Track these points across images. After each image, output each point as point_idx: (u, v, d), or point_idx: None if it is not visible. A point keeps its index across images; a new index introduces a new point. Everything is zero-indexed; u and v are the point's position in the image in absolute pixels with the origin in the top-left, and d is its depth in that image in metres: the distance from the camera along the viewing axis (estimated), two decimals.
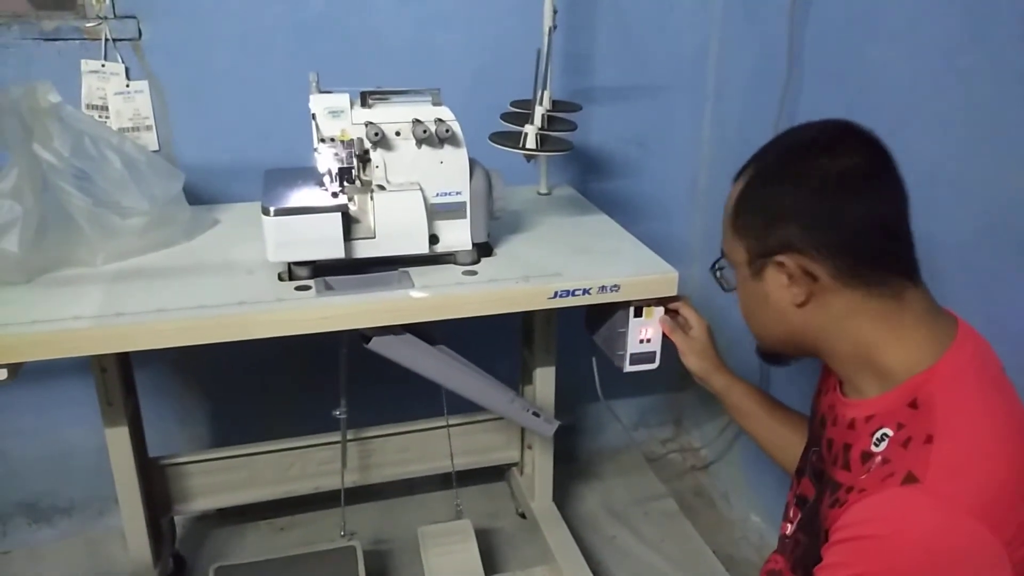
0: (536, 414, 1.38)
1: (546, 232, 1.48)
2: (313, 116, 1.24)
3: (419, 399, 1.58)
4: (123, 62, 1.59)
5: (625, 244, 1.43)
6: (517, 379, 1.78)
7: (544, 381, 1.65)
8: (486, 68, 1.76)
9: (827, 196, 0.86)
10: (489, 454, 1.80)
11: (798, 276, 0.88)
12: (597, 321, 1.41)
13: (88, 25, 1.55)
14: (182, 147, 1.68)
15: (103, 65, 1.58)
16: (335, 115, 1.24)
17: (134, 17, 1.57)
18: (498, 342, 1.64)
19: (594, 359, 1.44)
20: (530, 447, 1.79)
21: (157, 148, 1.66)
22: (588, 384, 1.39)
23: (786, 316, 0.92)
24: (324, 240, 1.21)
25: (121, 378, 1.45)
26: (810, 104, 1.57)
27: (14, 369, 1.09)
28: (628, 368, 1.36)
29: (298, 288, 1.22)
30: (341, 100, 1.24)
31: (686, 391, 2.19)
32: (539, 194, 1.71)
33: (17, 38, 1.53)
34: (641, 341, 1.33)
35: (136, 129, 1.64)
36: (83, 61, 1.57)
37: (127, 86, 1.61)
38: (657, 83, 1.90)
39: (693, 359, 1.26)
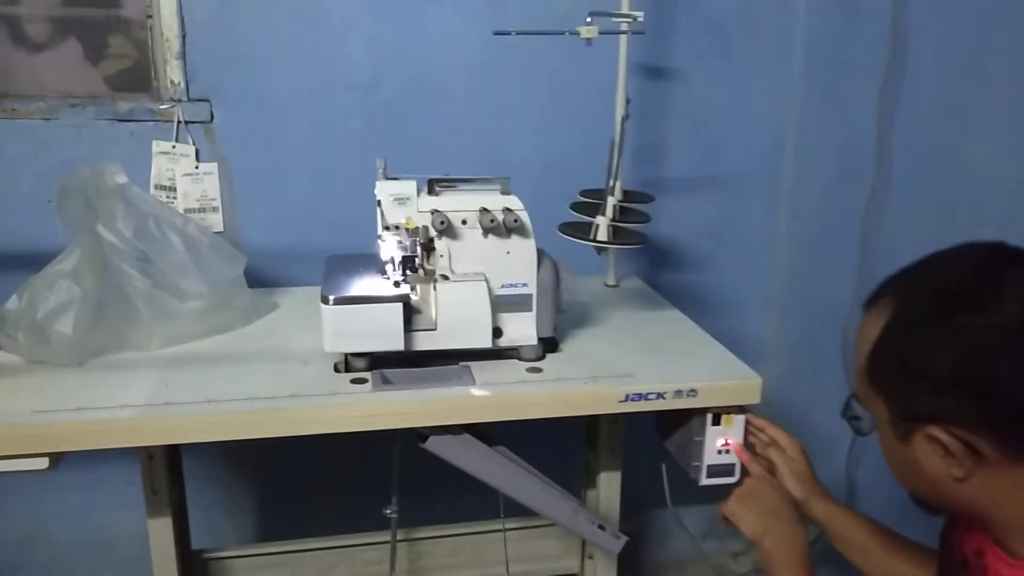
0: (602, 527, 1.27)
1: (615, 327, 1.39)
2: (378, 203, 1.20)
3: (474, 498, 1.48)
4: (194, 144, 1.60)
5: (701, 344, 1.33)
6: (579, 483, 1.67)
7: (609, 487, 1.54)
8: (556, 157, 1.72)
9: (991, 362, 0.74)
10: (547, 563, 1.68)
11: (958, 451, 0.77)
12: (670, 426, 1.31)
13: (162, 107, 1.57)
14: (247, 229, 1.67)
15: (174, 147, 1.59)
16: (401, 202, 1.19)
17: (207, 100, 1.58)
18: (558, 440, 1.55)
19: (663, 465, 1.34)
20: (591, 557, 1.67)
21: (222, 229, 1.65)
22: (654, 487, 1.28)
23: (942, 487, 0.81)
24: (384, 331, 1.15)
25: (168, 466, 1.39)
26: (899, 202, 1.48)
27: (56, 458, 1.04)
28: (704, 481, 1.25)
29: (354, 381, 1.16)
30: (408, 187, 1.20)
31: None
32: (606, 286, 1.63)
33: (92, 119, 1.55)
34: (719, 452, 1.23)
35: (203, 210, 1.63)
36: (155, 142, 1.58)
37: (196, 168, 1.61)
38: (731, 174, 1.83)
39: (794, 482, 1.15)
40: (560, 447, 1.77)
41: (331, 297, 1.14)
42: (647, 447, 1.36)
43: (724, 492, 1.41)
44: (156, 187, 1.60)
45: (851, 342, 0.91)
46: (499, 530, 1.57)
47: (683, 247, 1.86)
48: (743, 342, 1.89)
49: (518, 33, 1.26)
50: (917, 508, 0.93)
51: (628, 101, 1.50)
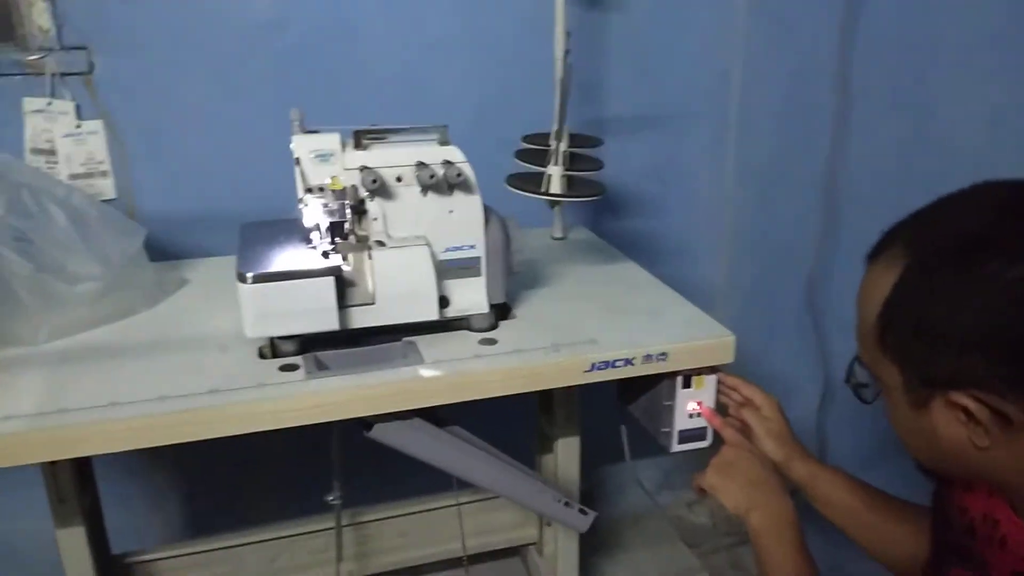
0: (568, 504, 1.17)
1: (570, 286, 1.28)
2: (297, 161, 1.03)
3: (426, 474, 1.36)
4: (73, 99, 1.38)
5: (666, 300, 1.23)
6: (532, 448, 1.57)
7: (567, 454, 1.44)
8: (490, 100, 1.57)
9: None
10: (504, 533, 1.58)
11: (984, 418, 0.68)
12: (634, 390, 1.21)
13: (31, 58, 1.34)
14: (143, 195, 1.47)
15: (49, 103, 1.37)
16: (323, 159, 1.03)
17: (84, 48, 1.37)
18: (507, 404, 1.43)
19: (623, 427, 1.25)
20: (548, 524, 1.57)
21: (114, 196, 1.45)
22: (606, 443, 1.19)
23: (962, 456, 0.73)
24: (315, 310, 1.00)
25: (75, 470, 1.22)
26: (861, 136, 1.39)
27: None
28: (676, 448, 1.16)
29: (283, 368, 1.01)
30: (331, 141, 1.04)
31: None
32: (553, 239, 1.51)
33: None
34: (691, 415, 1.14)
35: (90, 175, 1.42)
36: (25, 99, 1.36)
37: (78, 127, 1.40)
38: (676, 111, 1.71)
39: (772, 444, 1.07)
40: (510, 412, 1.67)
41: (249, 275, 0.98)
42: (599, 404, 1.26)
43: (695, 456, 1.35)
44: (32, 151, 1.38)
45: (816, 288, 0.82)
46: (452, 505, 1.46)
47: (628, 191, 1.74)
48: (694, 286, 1.79)
49: None
50: (916, 471, 0.86)
51: (569, 34, 1.36)
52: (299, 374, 1.00)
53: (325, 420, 0.97)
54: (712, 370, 1.12)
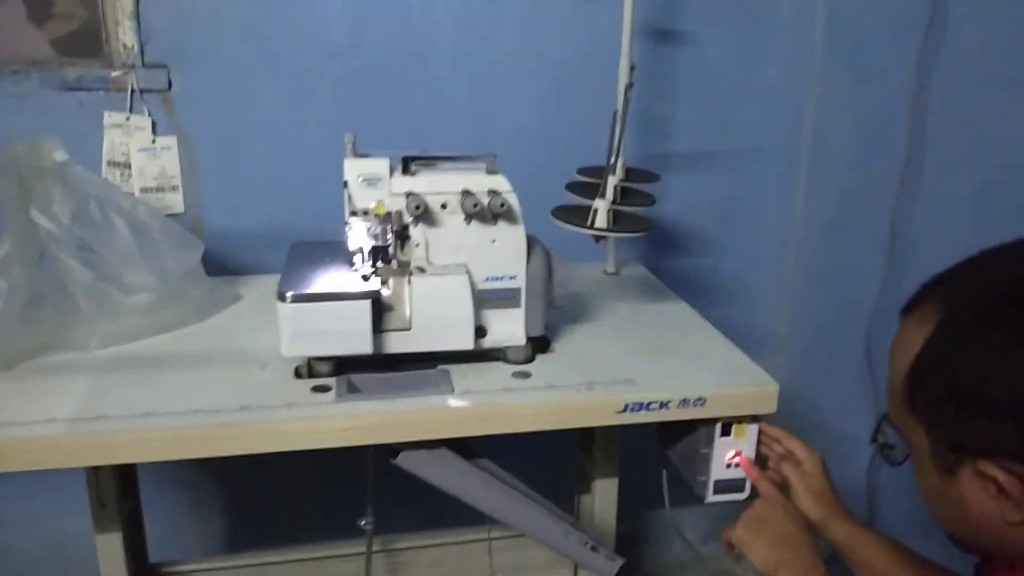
0: (595, 548, 1.13)
1: (615, 323, 1.25)
2: (345, 184, 1.05)
3: (459, 503, 1.35)
4: (150, 115, 1.45)
5: (710, 343, 1.19)
6: (572, 487, 1.54)
7: (605, 495, 1.41)
8: (553, 131, 1.56)
9: None
10: (536, 573, 1.55)
11: (1015, 491, 0.64)
12: (673, 433, 1.17)
13: (114, 74, 1.41)
14: (210, 210, 1.52)
15: (128, 118, 1.43)
16: (371, 183, 1.05)
17: (164, 66, 1.43)
18: (552, 440, 1.41)
19: (664, 471, 1.21)
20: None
21: (182, 211, 1.50)
22: (652, 487, 1.16)
23: (993, 529, 0.68)
24: (349, 333, 1.01)
25: (118, 476, 1.26)
26: (936, 181, 1.32)
27: None
28: (711, 499, 1.12)
29: (315, 389, 1.02)
30: (379, 166, 1.05)
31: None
32: (606, 274, 1.49)
33: (36, 87, 1.39)
34: (728, 465, 1.09)
35: (161, 189, 1.48)
36: (107, 113, 1.43)
37: (153, 142, 1.46)
38: (744, 150, 1.68)
39: (811, 502, 1.02)
40: (553, 448, 1.64)
41: (288, 294, 0.99)
42: (646, 446, 1.23)
43: (732, 504, 1.29)
44: (109, 164, 1.45)
45: (875, 340, 0.79)
46: (484, 539, 1.44)
47: (690, 230, 1.71)
48: (753, 334, 1.76)
49: None
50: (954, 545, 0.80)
51: (633, 68, 1.34)
52: (330, 396, 1.00)
53: (350, 444, 0.97)
54: (754, 419, 1.08)
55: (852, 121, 1.55)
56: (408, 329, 1.05)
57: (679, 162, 1.65)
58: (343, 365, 1.06)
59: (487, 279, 1.08)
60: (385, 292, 1.05)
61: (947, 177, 1.31)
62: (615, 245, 1.47)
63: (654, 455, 1.22)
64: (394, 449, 1.02)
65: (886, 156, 1.40)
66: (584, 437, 1.45)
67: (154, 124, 1.45)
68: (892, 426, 0.76)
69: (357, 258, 1.05)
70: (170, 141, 1.46)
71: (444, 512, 1.47)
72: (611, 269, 1.48)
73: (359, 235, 1.04)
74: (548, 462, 1.66)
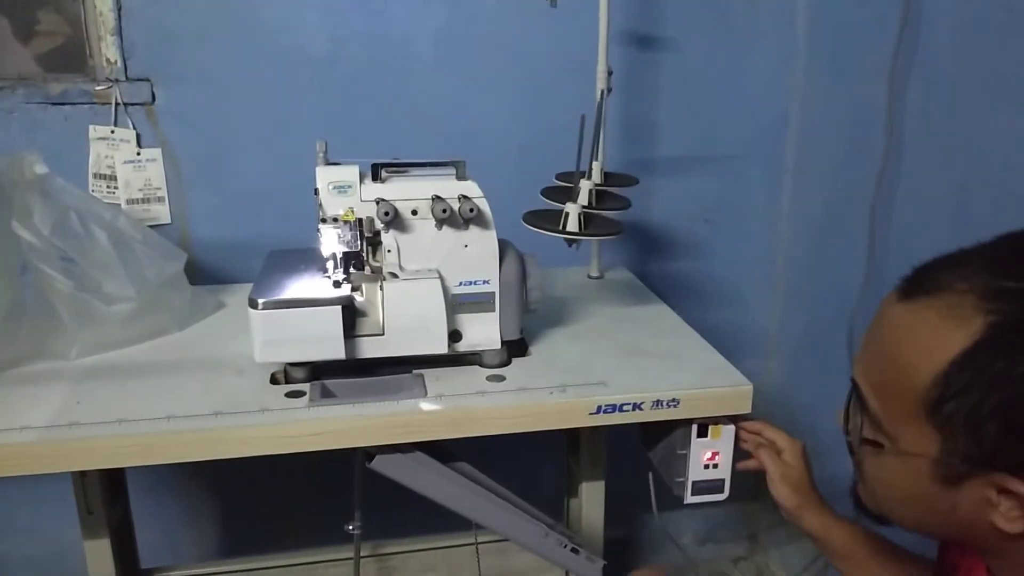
0: (576, 550, 1.13)
1: (593, 326, 1.25)
2: (316, 191, 1.06)
3: (446, 509, 1.35)
4: (135, 128, 1.46)
5: (686, 344, 1.19)
6: (563, 489, 1.54)
7: (592, 498, 1.41)
8: (535, 138, 1.57)
9: None
10: None
11: None
12: (653, 435, 1.17)
13: (98, 88, 1.43)
14: (196, 221, 1.53)
15: (113, 131, 1.45)
16: (341, 191, 1.05)
17: (148, 80, 1.44)
18: (542, 442, 1.41)
19: (650, 474, 1.21)
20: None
21: (169, 221, 1.52)
22: (643, 490, 1.15)
23: (973, 531, 0.64)
24: (322, 338, 1.02)
25: (105, 482, 1.27)
26: (912, 181, 1.32)
27: None
28: (689, 499, 1.11)
29: (289, 395, 1.02)
30: (349, 173, 1.06)
31: (762, 500, 1.90)
32: (589, 278, 1.49)
33: (22, 102, 1.41)
34: (706, 466, 1.09)
35: (147, 201, 1.50)
36: (92, 127, 1.44)
37: (138, 154, 1.47)
38: (728, 152, 1.68)
39: (786, 490, 1.01)
40: (544, 451, 1.65)
41: (260, 301, 1.00)
42: (635, 449, 1.23)
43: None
44: (95, 176, 1.46)
45: (856, 338, 0.75)
46: (472, 543, 1.44)
47: (676, 232, 1.71)
48: (743, 334, 1.76)
49: None
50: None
51: (610, 73, 1.35)
52: (303, 401, 1.01)
53: (323, 448, 0.97)
54: (731, 419, 1.08)
55: (834, 123, 1.55)
56: (382, 334, 1.05)
57: (665, 165, 1.66)
58: (319, 371, 1.07)
59: (460, 283, 1.08)
60: (359, 298, 1.06)
61: (925, 176, 1.30)
62: (598, 249, 1.47)
63: (644, 457, 1.22)
64: (369, 454, 1.03)
65: (866, 155, 1.40)
66: (570, 440, 1.45)
67: (139, 136, 1.47)
68: (878, 423, 0.68)
69: (330, 264, 1.06)
70: (155, 153, 1.48)
71: (433, 517, 1.47)
72: (594, 273, 1.48)
73: (331, 242, 1.05)
74: (538, 465, 1.66)
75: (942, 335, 0.61)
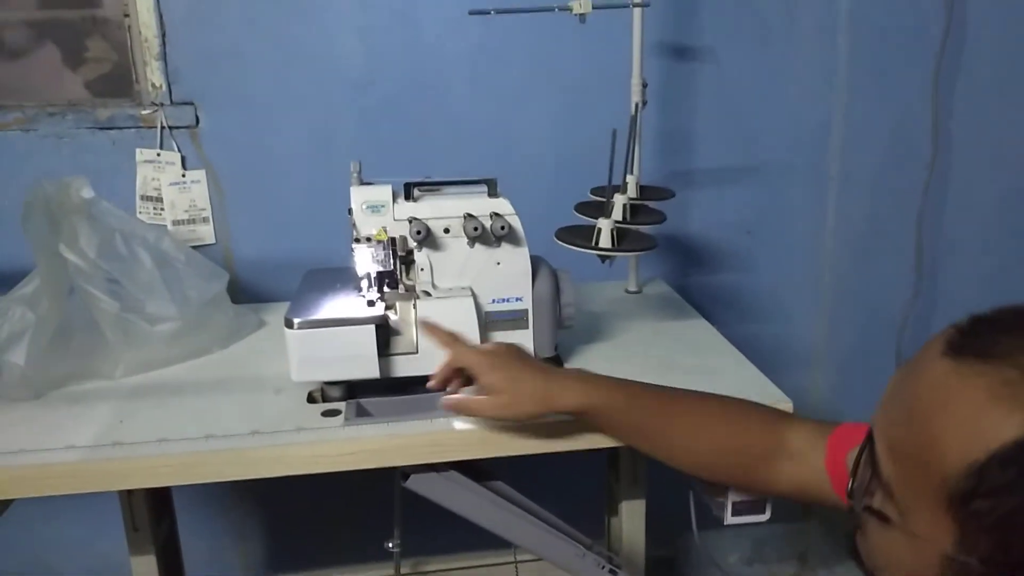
0: (614, 571, 1.12)
1: (630, 342, 1.24)
2: (349, 211, 1.07)
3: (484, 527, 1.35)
4: (179, 150, 1.50)
5: (725, 359, 1.17)
6: (602, 507, 1.52)
7: (632, 516, 1.39)
8: (571, 153, 1.57)
9: None
10: None
11: None
12: None
13: (144, 112, 1.47)
14: (239, 240, 1.56)
15: (158, 154, 1.49)
16: (375, 210, 1.06)
17: (192, 104, 1.48)
18: (583, 460, 1.40)
19: (691, 492, 1.18)
20: None
21: (214, 241, 1.55)
22: (687, 508, 1.14)
23: None
24: (356, 357, 1.02)
25: (151, 499, 1.30)
26: (960, 191, 1.28)
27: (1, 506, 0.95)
28: (729, 520, 1.08)
29: (325, 414, 1.03)
30: (382, 193, 1.06)
31: (811, 520, 1.86)
32: (627, 292, 1.48)
33: (71, 127, 1.46)
34: None
35: (192, 221, 1.53)
36: (138, 150, 1.48)
37: (183, 176, 1.51)
38: (769, 163, 1.65)
39: (515, 412, 0.93)
40: (584, 468, 1.63)
41: (296, 320, 1.01)
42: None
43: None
44: (142, 198, 1.50)
45: (905, 351, 0.68)
46: (511, 562, 1.43)
47: (717, 245, 1.68)
48: (788, 348, 1.72)
49: (497, 12, 1.12)
50: None
51: (645, 86, 1.34)
52: (338, 420, 1.01)
53: (358, 467, 0.98)
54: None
55: (879, 131, 1.51)
56: (415, 353, 1.06)
57: (704, 177, 1.64)
58: (354, 389, 1.08)
59: (493, 301, 1.08)
60: (393, 317, 1.06)
61: (973, 185, 1.26)
62: (635, 263, 1.46)
63: (685, 475, 1.20)
64: (405, 472, 1.03)
65: (912, 165, 1.37)
66: (610, 457, 1.44)
67: (183, 159, 1.50)
68: (876, 480, 0.59)
69: (364, 283, 1.07)
70: (199, 175, 1.51)
71: (473, 535, 1.47)
72: (632, 287, 1.47)
73: (364, 261, 1.06)
74: (578, 482, 1.64)
75: (988, 416, 0.51)
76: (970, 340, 0.55)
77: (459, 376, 0.99)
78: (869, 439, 0.62)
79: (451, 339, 1.00)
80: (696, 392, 0.97)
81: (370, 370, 1.03)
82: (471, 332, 1.05)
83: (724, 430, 0.92)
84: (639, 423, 0.93)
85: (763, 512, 1.09)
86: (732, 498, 1.07)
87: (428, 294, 1.06)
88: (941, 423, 0.54)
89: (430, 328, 1.01)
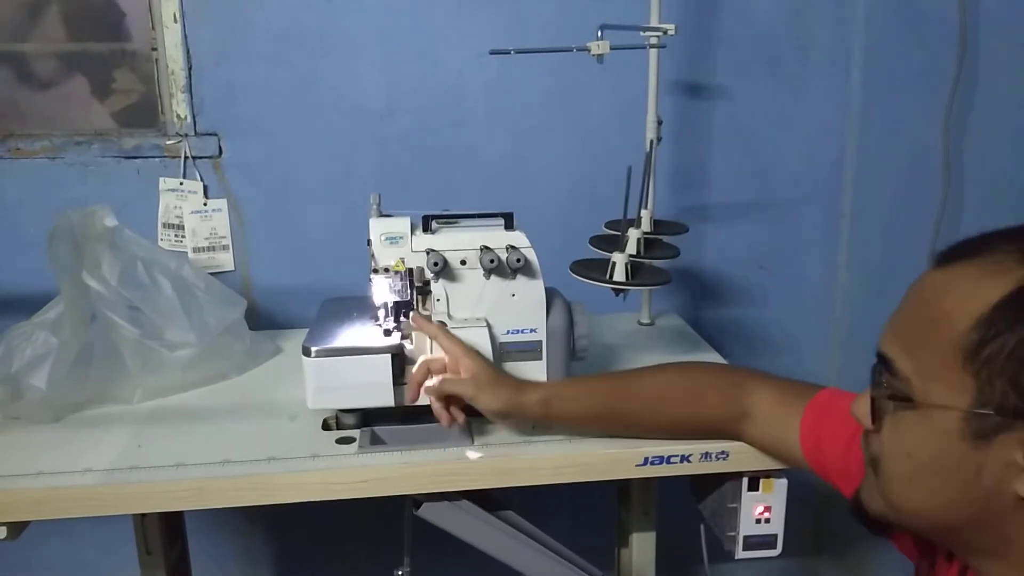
0: None
1: None
2: (368, 242, 1.09)
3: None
4: (202, 180, 1.53)
5: None
6: (613, 538, 1.52)
7: (643, 549, 1.38)
8: (586, 187, 1.59)
9: None
10: None
11: None
12: (704, 487, 1.16)
13: (169, 143, 1.50)
14: (258, 268, 1.59)
15: (181, 183, 1.52)
16: (393, 241, 1.08)
17: (215, 134, 1.51)
18: (593, 491, 1.40)
19: (702, 527, 1.19)
20: None
21: (233, 268, 1.57)
22: (698, 541, 1.14)
23: (989, 509, 0.62)
24: (371, 386, 1.04)
25: (164, 523, 1.31)
26: (973, 226, 1.28)
27: (16, 528, 0.96)
28: (741, 554, 1.09)
29: (339, 441, 1.05)
30: (400, 225, 1.08)
31: (822, 556, 1.84)
32: (640, 324, 1.49)
33: (97, 156, 1.49)
34: (758, 520, 1.07)
35: (212, 249, 1.56)
36: (162, 179, 1.52)
37: (204, 205, 1.54)
38: (783, 198, 1.66)
39: (488, 395, 0.98)
40: (595, 499, 1.63)
41: (313, 349, 1.03)
42: (688, 497, 1.21)
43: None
44: (164, 226, 1.53)
45: None
46: None
47: (730, 279, 1.69)
48: None
49: (516, 52, 1.14)
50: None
51: (660, 122, 1.37)
52: (352, 447, 1.03)
53: (370, 495, 0.99)
54: (783, 472, 1.05)
55: (892, 167, 1.53)
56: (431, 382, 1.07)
57: (718, 212, 1.65)
58: (369, 417, 1.09)
59: (508, 332, 1.09)
60: (408, 346, 1.08)
61: (986, 220, 1.27)
62: (649, 296, 1.47)
63: (697, 507, 1.20)
64: (417, 501, 1.04)
65: (925, 200, 1.38)
66: (621, 489, 1.43)
67: (205, 188, 1.53)
68: (901, 377, 0.65)
69: (381, 313, 1.09)
70: (220, 204, 1.54)
71: (482, 564, 1.47)
72: (645, 320, 1.48)
73: (382, 291, 1.08)
74: (589, 514, 1.64)
75: (984, 284, 0.60)
76: (956, 251, 0.64)
77: (442, 371, 1.02)
78: (879, 363, 0.69)
79: (440, 329, 1.03)
80: (656, 368, 1.05)
81: (385, 399, 1.04)
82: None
83: (682, 404, 1.00)
84: (599, 409, 1.01)
85: (774, 547, 1.10)
86: (743, 532, 1.08)
87: (444, 324, 1.08)
88: (945, 303, 0.62)
89: (421, 320, 1.04)
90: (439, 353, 1.02)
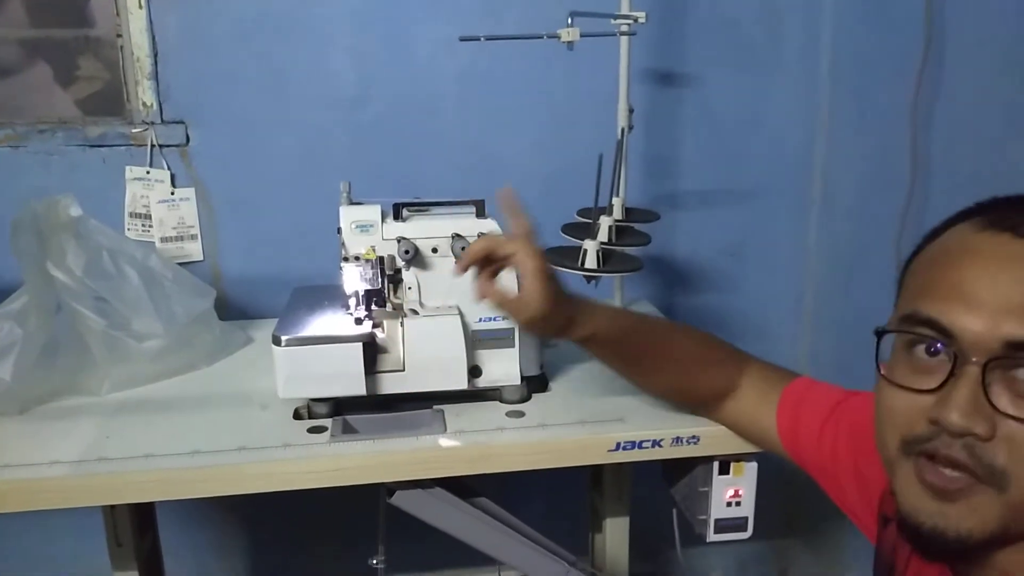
0: None
1: None
2: (339, 230, 1.08)
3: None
4: (169, 168, 1.51)
5: None
6: (587, 523, 1.53)
7: (616, 534, 1.39)
8: (558, 174, 1.58)
9: None
10: None
11: None
12: (676, 472, 1.17)
13: (135, 131, 1.48)
14: (227, 257, 1.57)
15: (148, 172, 1.50)
16: (363, 229, 1.08)
17: (182, 122, 1.49)
18: (567, 477, 1.41)
19: (675, 511, 1.20)
20: None
21: (201, 258, 1.55)
22: (670, 525, 1.15)
23: None
24: (343, 375, 1.03)
25: (134, 514, 1.29)
26: (938, 215, 1.30)
27: None
28: (712, 537, 1.10)
29: (311, 430, 1.04)
30: (371, 213, 1.08)
31: (793, 538, 1.87)
32: None
33: (61, 144, 1.47)
34: (729, 504, 1.08)
35: (180, 238, 1.54)
36: (128, 168, 1.49)
37: (172, 194, 1.52)
38: (753, 186, 1.67)
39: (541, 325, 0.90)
40: (569, 485, 1.64)
41: (283, 338, 1.02)
42: (661, 482, 1.22)
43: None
44: (131, 215, 1.51)
45: None
46: None
47: (701, 266, 1.70)
48: None
49: (487, 38, 1.14)
50: None
51: (631, 111, 1.37)
52: (324, 436, 1.02)
53: (343, 484, 0.99)
54: (753, 456, 1.07)
55: (860, 156, 1.55)
56: (402, 370, 1.07)
57: (689, 200, 1.66)
58: (341, 406, 1.08)
59: (480, 320, 1.09)
60: (380, 335, 1.07)
61: (951, 210, 1.29)
62: (621, 284, 1.47)
63: (669, 492, 1.21)
64: (390, 489, 1.04)
65: (892, 187, 1.40)
66: (594, 475, 1.44)
67: (173, 177, 1.51)
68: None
69: (352, 302, 1.08)
70: (188, 192, 1.52)
71: (457, 551, 1.47)
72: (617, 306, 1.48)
73: (353, 279, 1.07)
74: (563, 500, 1.65)
75: None
76: (1005, 218, 0.61)
77: (488, 266, 0.92)
78: (995, 359, 0.57)
79: (524, 226, 0.94)
80: (675, 328, 1.05)
81: (357, 387, 1.04)
82: (458, 351, 1.06)
83: (678, 372, 1.00)
84: (624, 356, 0.99)
85: (745, 530, 1.11)
86: (715, 515, 1.09)
87: (416, 312, 1.08)
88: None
89: (510, 204, 0.95)
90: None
